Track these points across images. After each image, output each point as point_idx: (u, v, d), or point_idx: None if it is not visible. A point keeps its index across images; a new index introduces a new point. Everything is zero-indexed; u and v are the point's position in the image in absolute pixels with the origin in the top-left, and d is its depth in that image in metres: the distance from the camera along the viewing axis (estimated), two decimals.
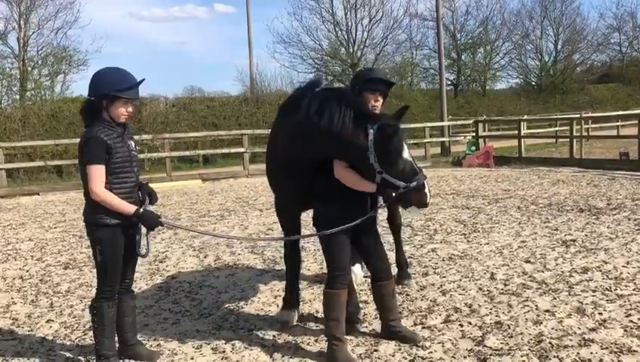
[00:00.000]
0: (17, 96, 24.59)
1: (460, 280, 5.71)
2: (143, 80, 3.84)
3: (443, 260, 6.51)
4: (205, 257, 7.18)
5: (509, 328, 4.37)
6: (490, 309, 4.81)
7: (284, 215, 4.63)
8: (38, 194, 15.24)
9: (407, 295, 5.30)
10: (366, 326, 4.51)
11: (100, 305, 3.81)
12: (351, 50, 32.01)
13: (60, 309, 5.29)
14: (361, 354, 4.02)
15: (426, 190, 3.78)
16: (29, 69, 24.93)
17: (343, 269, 3.91)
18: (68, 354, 4.22)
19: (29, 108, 22.64)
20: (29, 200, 14.20)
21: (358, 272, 5.65)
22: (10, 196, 14.86)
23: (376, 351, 4.06)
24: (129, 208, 3.67)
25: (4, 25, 24.68)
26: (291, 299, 4.68)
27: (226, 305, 5.22)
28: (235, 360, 4.02)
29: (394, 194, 3.70)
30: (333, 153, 3.82)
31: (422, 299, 5.16)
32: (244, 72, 48.31)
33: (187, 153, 19.95)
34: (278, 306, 4.98)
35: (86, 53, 26.98)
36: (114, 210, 3.66)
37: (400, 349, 4.07)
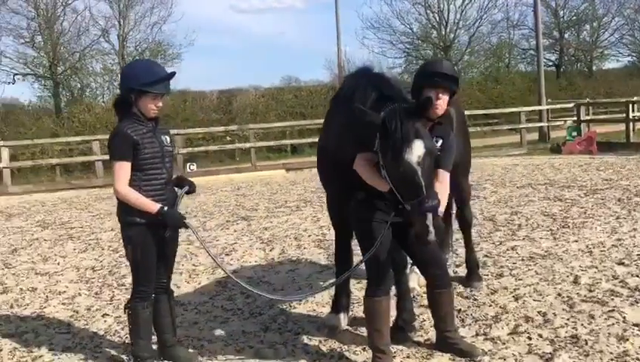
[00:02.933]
0: (117, 91, 25.95)
1: (538, 283, 5.12)
2: (174, 74, 3.67)
3: (522, 260, 5.91)
4: (271, 250, 7.03)
5: (587, 344, 3.79)
6: (567, 320, 4.23)
7: (335, 216, 4.31)
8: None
9: (475, 299, 4.81)
10: (421, 336, 4.10)
11: (135, 305, 3.71)
12: (443, 32, 30.82)
13: (118, 303, 5.31)
14: None
15: (428, 221, 3.07)
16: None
17: (382, 276, 3.53)
18: (113, 352, 4.18)
19: None
20: None
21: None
22: (107, 186, 15.65)
23: None
24: (152, 207, 3.52)
25: (106, 23, 26.12)
26: (340, 302, 4.36)
27: (279, 305, 4.99)
28: None
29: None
30: (357, 139, 3.44)
31: (490, 305, 4.65)
32: (331, 60, 47.99)
33: (272, 143, 20.09)
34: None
35: (179, 47, 28.01)
36: (137, 207, 3.52)
37: None
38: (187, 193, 3.85)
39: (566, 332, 4.02)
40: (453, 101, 5.08)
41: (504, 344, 3.89)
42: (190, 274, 6.22)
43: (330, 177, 4.10)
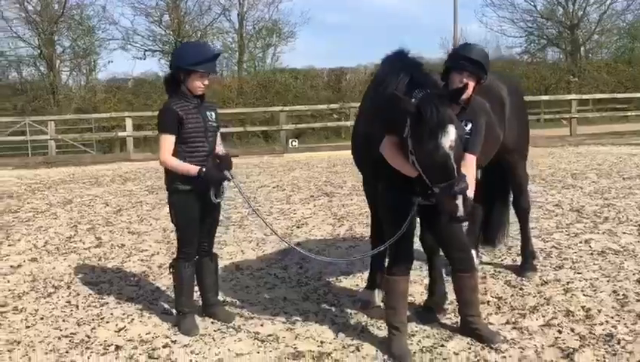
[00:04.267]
0: (235, 68, 27.30)
1: (597, 279, 4.88)
2: (219, 53, 3.94)
3: (591, 254, 5.61)
4: (340, 226, 7.24)
5: (619, 343, 3.62)
6: (611, 317, 4.04)
7: (369, 197, 4.42)
8: (237, 157, 16.85)
9: (521, 289, 4.70)
10: (449, 318, 4.12)
11: (178, 264, 4.10)
12: (570, 9, 28.74)
13: None
14: (425, 347, 3.70)
15: (458, 201, 3.15)
16: (246, 42, 27.40)
17: (402, 256, 3.60)
18: (165, 305, 4.62)
19: (243, 78, 24.94)
20: None
21: None
22: None
23: (442, 346, 3.71)
24: (192, 169, 3.84)
25: (227, 2, 27.41)
26: (375, 279, 4.48)
27: (326, 277, 5.21)
28: (298, 333, 4.01)
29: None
30: (387, 124, 3.49)
31: (535, 296, 4.53)
32: (446, 38, 46.47)
33: None
34: None
35: (294, 25, 28.74)
36: (180, 172, 3.86)
37: (470, 348, 3.65)
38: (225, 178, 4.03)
39: (603, 329, 3.85)
40: (509, 84, 4.96)
41: (530, 334, 3.82)
42: (258, 242, 6.61)
43: (363, 160, 4.20)
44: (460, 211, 3.18)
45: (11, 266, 5.92)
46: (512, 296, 4.56)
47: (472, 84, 3.58)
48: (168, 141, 3.87)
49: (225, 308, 4.38)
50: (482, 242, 5.37)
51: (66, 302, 4.78)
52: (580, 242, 6.07)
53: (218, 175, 3.92)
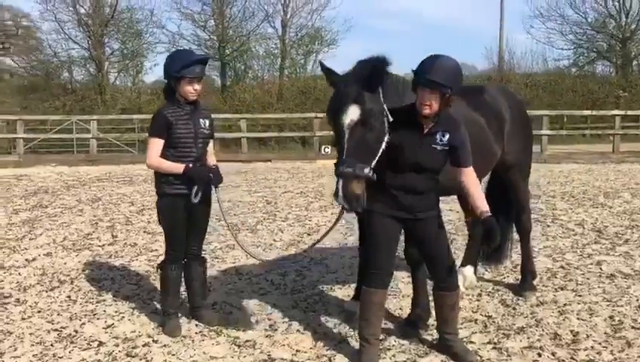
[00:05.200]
0: (277, 73, 27.61)
1: (597, 303, 4.72)
2: (205, 58, 4.04)
3: (599, 276, 5.44)
4: (350, 236, 7.22)
5: None
6: (599, 343, 3.91)
7: None
8: (270, 161, 17.07)
9: (514, 309, 4.60)
10: (430, 334, 4.07)
11: (165, 266, 4.20)
12: (622, 21, 27.81)
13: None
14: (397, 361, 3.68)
15: (338, 185, 3.22)
16: (288, 48, 27.68)
17: (379, 268, 3.58)
18: (158, 306, 4.69)
19: (283, 84, 25.19)
20: (262, 166, 15.95)
21: (468, 275, 5.08)
22: (248, 161, 16.91)
23: (415, 361, 3.67)
24: (179, 167, 3.95)
25: (271, 9, 27.80)
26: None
27: (321, 286, 5.22)
28: (276, 340, 4.04)
29: None
30: None
31: (526, 317, 4.42)
32: (490, 48, 45.65)
33: None
34: None
35: (337, 33, 28.84)
36: (166, 172, 3.97)
37: None
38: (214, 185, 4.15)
39: (587, 355, 3.74)
40: (511, 100, 4.86)
41: (509, 356, 3.74)
42: (265, 248, 6.68)
43: None
44: (339, 197, 3.23)
45: (26, 260, 6.18)
46: (503, 315, 4.47)
47: (436, 101, 3.34)
48: (155, 144, 3.98)
49: (210, 311, 4.45)
50: (486, 258, 5.28)
51: (66, 297, 4.96)
52: (591, 263, 5.88)
53: (203, 173, 3.99)
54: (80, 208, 9.27)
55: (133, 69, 28.82)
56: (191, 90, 4.02)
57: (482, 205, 3.46)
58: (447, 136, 3.50)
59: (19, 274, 5.67)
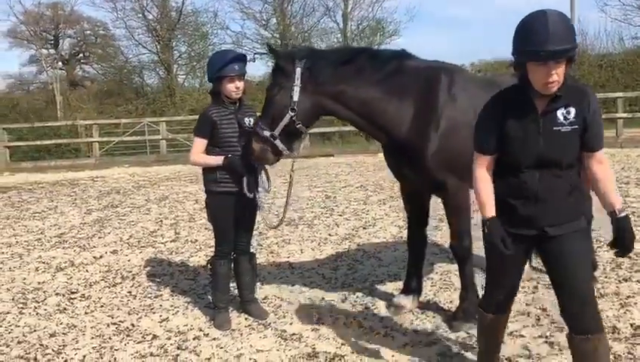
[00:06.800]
0: None
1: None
2: (243, 55, 4.11)
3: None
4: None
5: None
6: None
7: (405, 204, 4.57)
8: (333, 156, 17.12)
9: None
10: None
11: (214, 261, 4.33)
12: None
13: None
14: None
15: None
16: (350, 41, 27.61)
17: (496, 292, 3.01)
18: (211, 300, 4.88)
19: None
20: (323, 161, 16.04)
21: None
22: (310, 156, 17.03)
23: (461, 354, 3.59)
24: (219, 159, 4.08)
25: (331, 2, 27.83)
26: (410, 284, 4.43)
27: (372, 279, 5.21)
28: (322, 333, 4.07)
29: None
30: None
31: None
32: None
33: None
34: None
35: (399, 23, 28.50)
36: (209, 165, 4.11)
37: None
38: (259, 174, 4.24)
39: None
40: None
41: (560, 350, 3.57)
42: (320, 242, 6.72)
43: None
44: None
45: (94, 257, 6.53)
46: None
47: (562, 71, 2.55)
48: (199, 143, 4.12)
49: (259, 305, 4.54)
50: None
51: (127, 292, 5.20)
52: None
53: (243, 163, 4.07)
54: (148, 207, 9.67)
55: (200, 70, 29.68)
56: (233, 88, 4.11)
57: (616, 201, 2.67)
58: (573, 112, 2.65)
59: (86, 271, 6.00)
